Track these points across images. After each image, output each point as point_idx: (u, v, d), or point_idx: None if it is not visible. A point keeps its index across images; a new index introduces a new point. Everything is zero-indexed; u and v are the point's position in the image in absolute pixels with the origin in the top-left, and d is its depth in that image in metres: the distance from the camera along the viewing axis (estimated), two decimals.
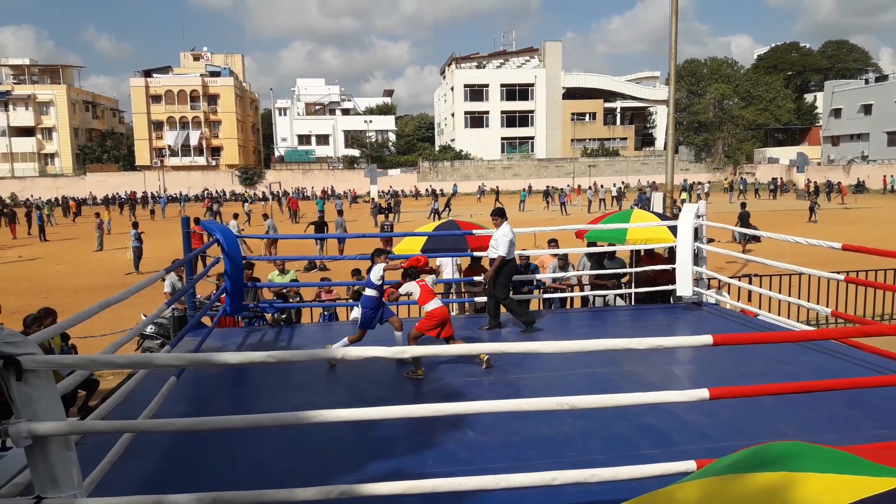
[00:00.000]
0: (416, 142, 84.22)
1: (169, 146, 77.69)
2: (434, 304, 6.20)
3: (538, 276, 10.14)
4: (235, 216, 25.32)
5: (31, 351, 2.79)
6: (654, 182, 56.10)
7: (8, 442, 2.80)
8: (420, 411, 3.31)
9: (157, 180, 72.23)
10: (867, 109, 69.87)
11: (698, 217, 8.49)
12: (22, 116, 75.84)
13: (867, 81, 73.31)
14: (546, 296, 10.16)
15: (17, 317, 9.02)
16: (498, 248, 7.48)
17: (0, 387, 2.81)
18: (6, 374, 2.75)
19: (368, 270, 6.48)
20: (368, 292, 6.35)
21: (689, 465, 3.17)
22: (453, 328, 6.30)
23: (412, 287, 6.24)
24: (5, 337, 2.73)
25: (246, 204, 46.82)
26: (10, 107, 75.38)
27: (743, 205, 25.80)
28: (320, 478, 3.41)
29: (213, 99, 79.24)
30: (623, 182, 60.76)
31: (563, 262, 10.32)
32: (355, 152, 78.86)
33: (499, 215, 7.71)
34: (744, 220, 23.10)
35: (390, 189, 61.95)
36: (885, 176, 60.02)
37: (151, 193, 66.77)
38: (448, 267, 11.23)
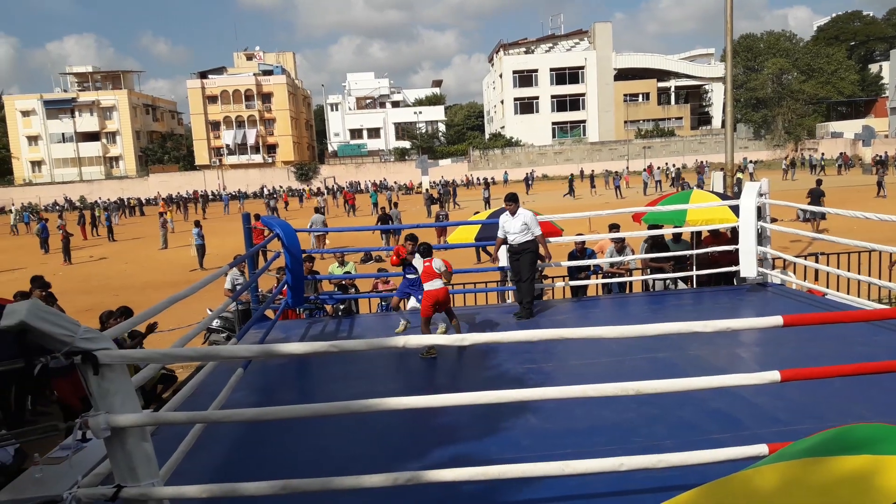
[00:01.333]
0: (466, 131, 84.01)
1: (227, 145, 79.61)
2: (431, 284, 6.43)
3: (595, 261, 10.00)
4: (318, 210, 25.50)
5: (106, 346, 2.90)
6: (702, 162, 54.68)
7: (88, 434, 2.91)
8: (483, 398, 3.31)
9: (217, 179, 74.18)
10: None
11: (761, 195, 8.22)
12: (87, 122, 78.94)
13: None
14: (604, 280, 10.01)
15: (89, 314, 9.42)
16: (534, 228, 7.54)
17: (79, 380, 2.93)
18: (84, 369, 2.86)
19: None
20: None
21: (761, 448, 3.08)
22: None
23: (418, 263, 6.58)
24: (82, 333, 2.84)
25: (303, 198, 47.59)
26: (77, 113, 78.51)
27: (818, 182, 24.32)
28: (385, 465, 3.45)
29: (266, 97, 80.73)
30: (673, 164, 59.13)
31: (621, 245, 10.14)
32: (406, 144, 79.24)
33: (514, 200, 7.73)
34: (815, 197, 21.95)
35: (441, 179, 62.06)
36: None
37: (212, 192, 68.60)
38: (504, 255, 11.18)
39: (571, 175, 49.81)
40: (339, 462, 4.08)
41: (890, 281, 8.78)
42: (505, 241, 7.79)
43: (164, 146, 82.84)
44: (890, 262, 10.08)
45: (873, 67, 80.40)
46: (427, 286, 6.46)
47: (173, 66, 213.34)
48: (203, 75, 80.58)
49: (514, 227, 7.59)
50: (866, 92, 78.13)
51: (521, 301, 7.68)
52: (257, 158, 79.99)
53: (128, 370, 3.05)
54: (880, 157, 50.02)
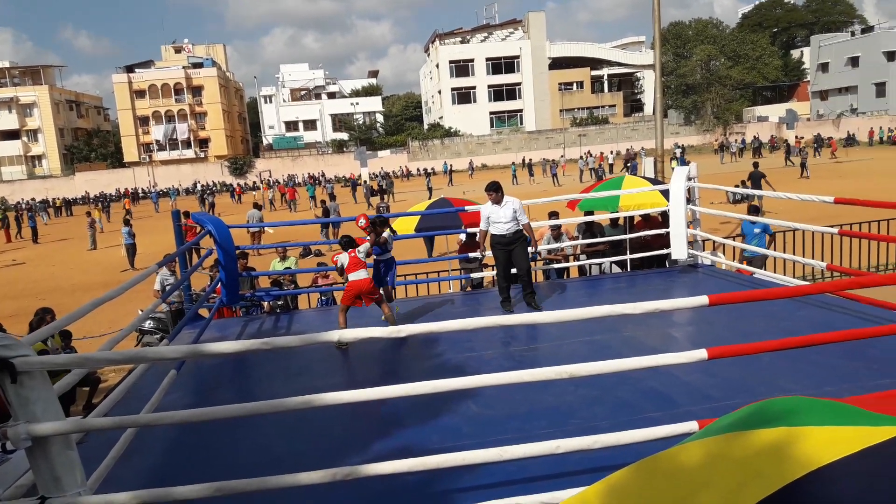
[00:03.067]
0: (405, 122, 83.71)
1: (157, 141, 77.18)
2: (355, 275, 6.41)
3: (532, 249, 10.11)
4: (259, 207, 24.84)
5: (24, 353, 2.77)
6: (629, 148, 55.92)
7: (9, 444, 2.78)
8: (421, 388, 3.31)
9: (147, 176, 71.83)
10: (854, 62, 69.65)
11: (689, 179, 8.46)
12: (5, 119, 75.17)
13: (853, 34, 72.99)
14: (543, 267, 10.15)
15: (14, 320, 9.02)
16: (522, 216, 7.25)
17: None
18: (1, 378, 2.73)
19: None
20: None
21: (692, 425, 3.18)
22: (383, 296, 6.69)
23: (343, 257, 6.48)
24: None
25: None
26: None
27: (755, 164, 24.71)
28: (326, 460, 3.41)
29: (197, 91, 78.57)
30: (588, 153, 60.17)
31: (557, 232, 10.30)
32: (344, 136, 78.45)
33: (497, 189, 7.33)
34: (755, 180, 21.90)
35: (381, 171, 61.73)
36: (871, 128, 59.89)
37: (142, 189, 66.45)
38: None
39: (514, 164, 50.21)
40: (279, 460, 4.02)
41: (813, 258, 9.16)
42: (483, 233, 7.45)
43: (91, 143, 79.71)
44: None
45: (795, 53, 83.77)
46: (351, 276, 6.42)
47: (98, 61, 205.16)
48: (130, 69, 77.83)
49: (505, 217, 7.22)
50: (789, 77, 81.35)
51: (528, 294, 7.31)
52: (189, 154, 77.84)
53: (48, 377, 2.92)
54: (800, 139, 52.20)
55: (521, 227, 7.27)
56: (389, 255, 6.87)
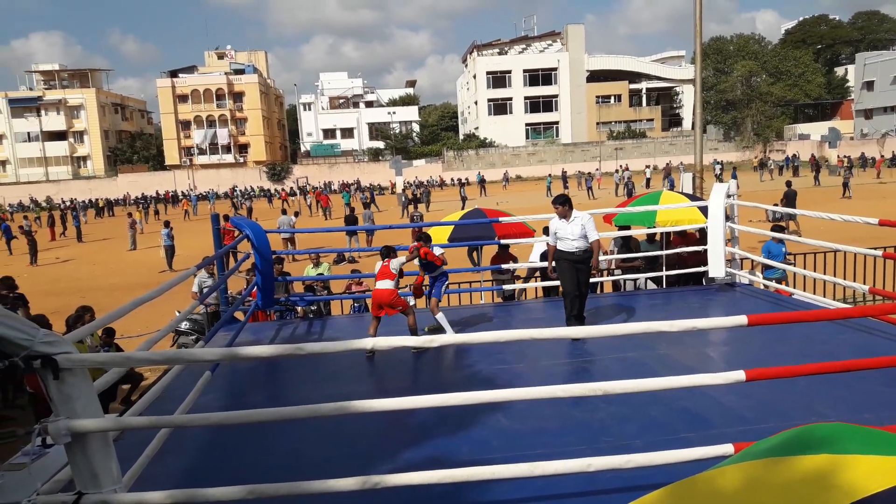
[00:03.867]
0: (440, 131, 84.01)
1: (197, 145, 78.66)
2: (380, 283, 6.48)
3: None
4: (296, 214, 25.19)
5: (67, 350, 2.83)
6: (668, 163, 55.14)
7: (49, 440, 2.85)
8: (452, 400, 3.30)
9: (187, 179, 73.22)
10: None
11: (729, 196, 8.33)
12: (54, 121, 77.38)
13: None
14: None
15: (56, 317, 9.23)
16: (592, 232, 6.77)
17: (40, 386, 2.87)
18: (44, 374, 2.79)
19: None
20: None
21: (727, 448, 3.12)
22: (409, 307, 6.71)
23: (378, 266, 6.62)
24: (42, 337, 2.77)
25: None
26: (42, 112, 76.95)
27: (788, 183, 24.69)
28: (355, 468, 3.42)
29: (238, 96, 79.94)
30: (623, 167, 59.55)
31: None
32: (380, 144, 79.01)
33: (565, 203, 6.86)
34: (790, 199, 21.90)
35: (416, 179, 61.99)
36: None
37: (182, 192, 67.73)
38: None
39: (550, 176, 50.07)
40: (308, 466, 4.03)
41: (854, 281, 8.95)
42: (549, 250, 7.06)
43: (134, 146, 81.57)
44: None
45: (839, 70, 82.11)
46: (377, 285, 6.51)
47: (143, 65, 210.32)
48: (173, 74, 79.52)
49: (573, 233, 6.72)
50: (832, 94, 79.74)
51: (578, 314, 6.88)
52: (228, 158, 79.15)
53: (89, 374, 2.99)
54: (847, 157, 51.11)
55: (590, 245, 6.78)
56: (441, 271, 6.91)
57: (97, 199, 59.81)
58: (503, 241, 9.29)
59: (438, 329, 6.90)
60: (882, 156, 51.39)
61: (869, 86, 71.97)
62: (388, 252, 6.59)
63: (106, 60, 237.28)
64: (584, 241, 6.75)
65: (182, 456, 4.25)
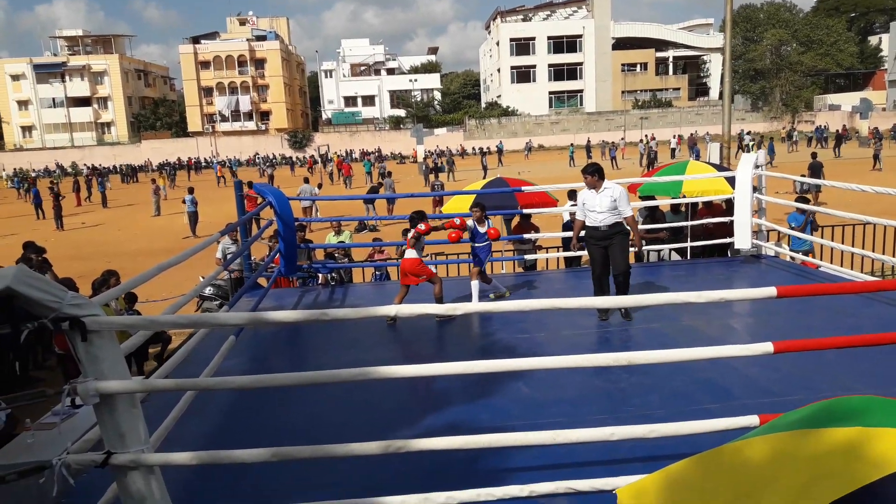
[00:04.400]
0: (462, 99, 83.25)
1: (219, 112, 78.79)
2: (407, 252, 6.61)
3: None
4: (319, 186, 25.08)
5: (94, 312, 2.86)
6: (692, 134, 54.16)
7: (78, 400, 2.89)
8: (473, 368, 3.30)
9: (210, 146, 73.56)
10: None
11: (757, 167, 8.17)
12: (78, 87, 77.85)
13: None
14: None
15: (82, 281, 9.37)
16: (624, 207, 6.18)
17: (69, 347, 2.90)
18: (72, 336, 2.83)
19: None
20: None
21: (752, 419, 3.08)
22: (434, 273, 6.94)
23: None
24: (70, 299, 2.80)
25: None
26: (67, 78, 77.42)
27: (814, 155, 24.78)
28: (376, 432, 3.45)
29: (260, 63, 79.71)
30: (650, 136, 58.52)
31: None
32: (401, 112, 78.56)
33: (595, 173, 6.26)
34: (815, 170, 22.07)
35: (437, 148, 61.67)
36: None
37: (204, 159, 68.06)
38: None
39: (572, 145, 49.53)
40: (330, 430, 4.08)
41: (883, 254, 8.77)
42: (583, 225, 6.41)
43: (157, 112, 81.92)
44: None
45: (873, 40, 79.67)
46: (405, 254, 6.63)
47: (165, 31, 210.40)
48: (195, 40, 79.40)
49: (602, 206, 6.14)
50: (865, 64, 77.53)
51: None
52: (250, 125, 79.26)
53: (116, 336, 3.02)
54: (874, 129, 49.81)
55: (623, 220, 6.21)
56: (486, 242, 6.97)
57: (121, 166, 60.32)
58: (526, 211, 9.22)
59: (500, 296, 7.08)
60: (871, 130, 49.96)
61: None
62: (416, 219, 6.56)
63: (128, 27, 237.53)
64: (613, 215, 6.13)
65: (207, 418, 4.32)
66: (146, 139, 75.10)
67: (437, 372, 3.26)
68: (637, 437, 3.15)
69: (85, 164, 65.90)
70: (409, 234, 6.59)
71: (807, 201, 10.68)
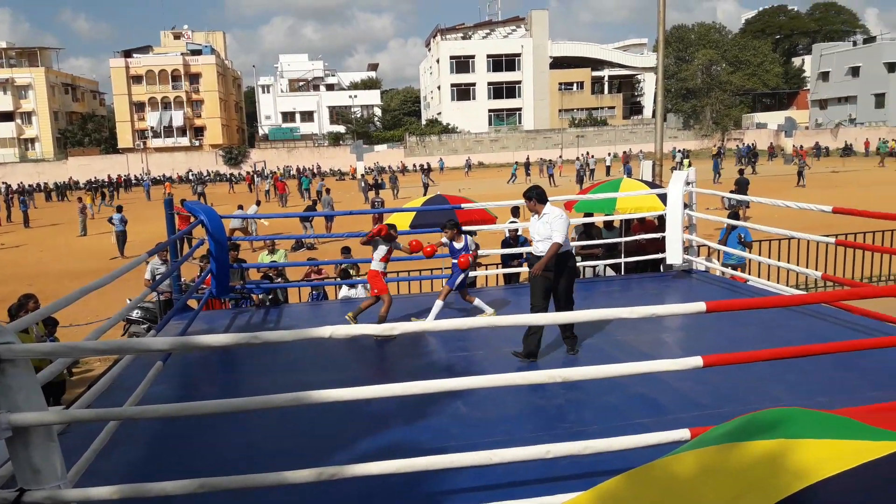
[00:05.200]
0: (403, 116, 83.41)
1: (152, 128, 76.71)
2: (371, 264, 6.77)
3: (528, 249, 10.06)
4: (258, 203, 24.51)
5: (8, 340, 2.70)
6: (626, 151, 55.83)
7: None
8: (411, 389, 3.26)
9: (141, 162, 71.38)
10: (855, 72, 69.74)
11: (687, 184, 8.43)
12: (0, 101, 74.49)
13: (855, 43, 73.08)
14: None
15: (1, 305, 8.92)
16: (554, 233, 5.57)
17: None
18: None
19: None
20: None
21: (683, 433, 3.14)
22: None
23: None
24: None
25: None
26: None
27: (741, 171, 26.21)
28: (312, 458, 3.37)
29: (194, 78, 78.14)
30: (587, 154, 60.03)
31: None
32: (341, 128, 78.13)
33: (534, 198, 5.79)
34: (741, 186, 23.04)
35: (376, 165, 61.55)
36: (867, 139, 59.87)
37: (134, 176, 66.02)
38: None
39: (516, 163, 50.26)
40: (264, 458, 3.96)
41: (808, 267, 9.16)
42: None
43: (85, 128, 79.00)
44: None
45: (796, 61, 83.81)
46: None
47: (95, 44, 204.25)
48: (127, 54, 77.28)
49: (540, 233, 5.68)
50: (789, 84, 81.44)
51: (570, 335, 5.77)
52: (184, 141, 77.39)
53: (32, 366, 2.86)
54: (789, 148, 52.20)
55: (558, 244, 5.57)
56: (453, 262, 6.95)
57: (45, 184, 57.87)
58: (466, 228, 9.24)
59: (476, 311, 6.96)
60: (802, 147, 52.66)
61: (824, 76, 73.70)
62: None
63: (56, 39, 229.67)
64: (546, 244, 5.61)
65: (132, 449, 4.13)
66: (73, 156, 72.25)
67: (374, 394, 3.21)
68: (573, 453, 3.17)
69: (4, 182, 62.90)
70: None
71: (738, 216, 11.08)
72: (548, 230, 5.61)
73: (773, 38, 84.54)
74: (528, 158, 54.63)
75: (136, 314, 9.85)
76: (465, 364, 5.48)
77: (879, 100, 67.15)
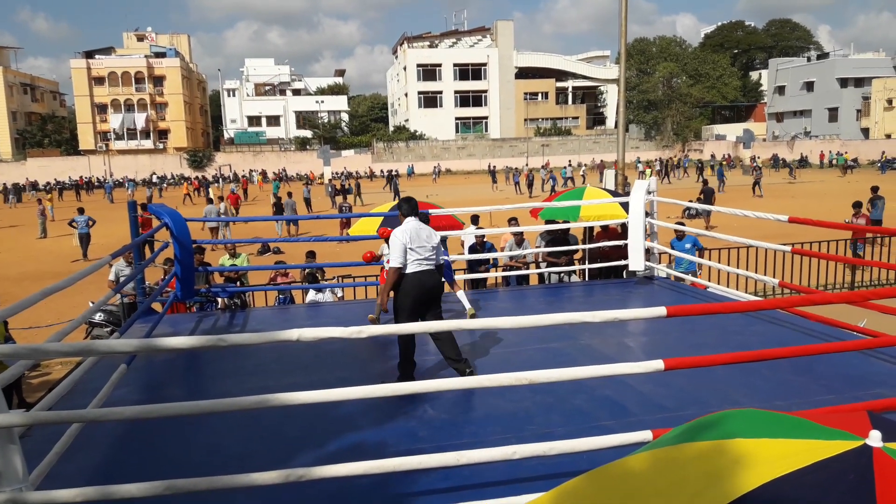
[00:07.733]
0: (370, 122, 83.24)
1: (114, 129, 75.27)
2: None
3: (494, 254, 10.16)
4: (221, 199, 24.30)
5: None
6: (580, 163, 56.87)
7: None
8: (378, 392, 3.28)
9: (103, 165, 69.94)
10: (809, 86, 71.89)
11: (649, 193, 8.60)
12: None
13: (809, 59, 75.33)
14: (503, 274, 10.20)
15: None
16: (391, 254, 5.18)
17: None
18: None
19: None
20: None
21: (646, 434, 3.22)
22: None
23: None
24: None
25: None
26: None
27: (705, 181, 26.67)
28: (279, 461, 3.37)
29: (158, 80, 76.94)
30: (578, 163, 60.94)
31: (520, 239, 10.37)
32: (307, 133, 77.62)
33: (401, 206, 5.43)
34: (707, 195, 23.50)
35: (344, 170, 61.29)
36: (821, 151, 61.66)
37: (96, 178, 64.66)
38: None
39: (493, 168, 50.78)
40: (230, 460, 3.94)
41: (765, 275, 9.41)
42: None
43: (45, 129, 77.13)
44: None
45: (754, 75, 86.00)
46: None
47: (56, 45, 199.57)
48: (89, 55, 75.79)
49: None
50: (747, 98, 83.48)
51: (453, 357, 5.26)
52: (147, 144, 76.10)
53: None
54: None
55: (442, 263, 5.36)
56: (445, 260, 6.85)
57: (4, 184, 56.30)
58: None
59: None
60: (752, 159, 53.97)
61: (780, 90, 75.77)
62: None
63: (14, 38, 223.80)
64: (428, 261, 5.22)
65: (95, 452, 4.07)
66: (32, 157, 70.49)
67: (340, 397, 3.23)
68: (538, 454, 3.22)
69: None
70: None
71: (682, 224, 11.32)
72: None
73: (732, 52, 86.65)
74: (493, 166, 55.13)
75: (99, 317, 9.67)
76: (432, 367, 5.51)
77: (833, 114, 69.31)
